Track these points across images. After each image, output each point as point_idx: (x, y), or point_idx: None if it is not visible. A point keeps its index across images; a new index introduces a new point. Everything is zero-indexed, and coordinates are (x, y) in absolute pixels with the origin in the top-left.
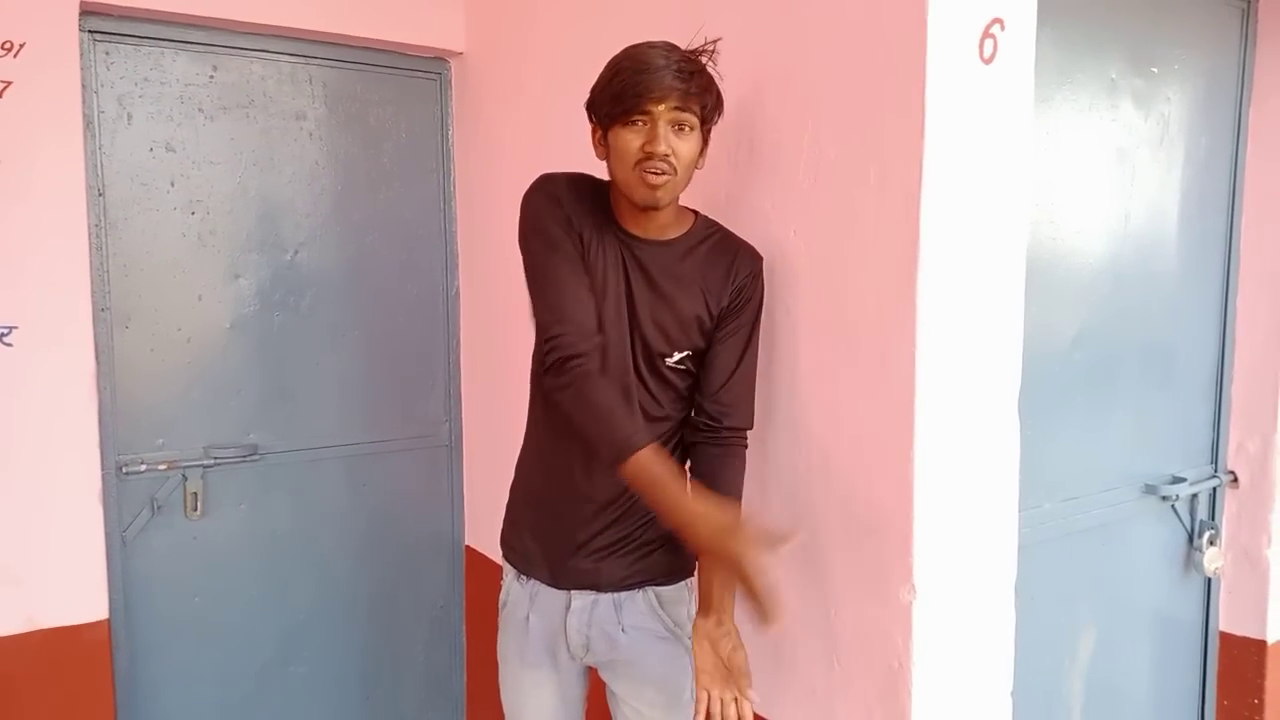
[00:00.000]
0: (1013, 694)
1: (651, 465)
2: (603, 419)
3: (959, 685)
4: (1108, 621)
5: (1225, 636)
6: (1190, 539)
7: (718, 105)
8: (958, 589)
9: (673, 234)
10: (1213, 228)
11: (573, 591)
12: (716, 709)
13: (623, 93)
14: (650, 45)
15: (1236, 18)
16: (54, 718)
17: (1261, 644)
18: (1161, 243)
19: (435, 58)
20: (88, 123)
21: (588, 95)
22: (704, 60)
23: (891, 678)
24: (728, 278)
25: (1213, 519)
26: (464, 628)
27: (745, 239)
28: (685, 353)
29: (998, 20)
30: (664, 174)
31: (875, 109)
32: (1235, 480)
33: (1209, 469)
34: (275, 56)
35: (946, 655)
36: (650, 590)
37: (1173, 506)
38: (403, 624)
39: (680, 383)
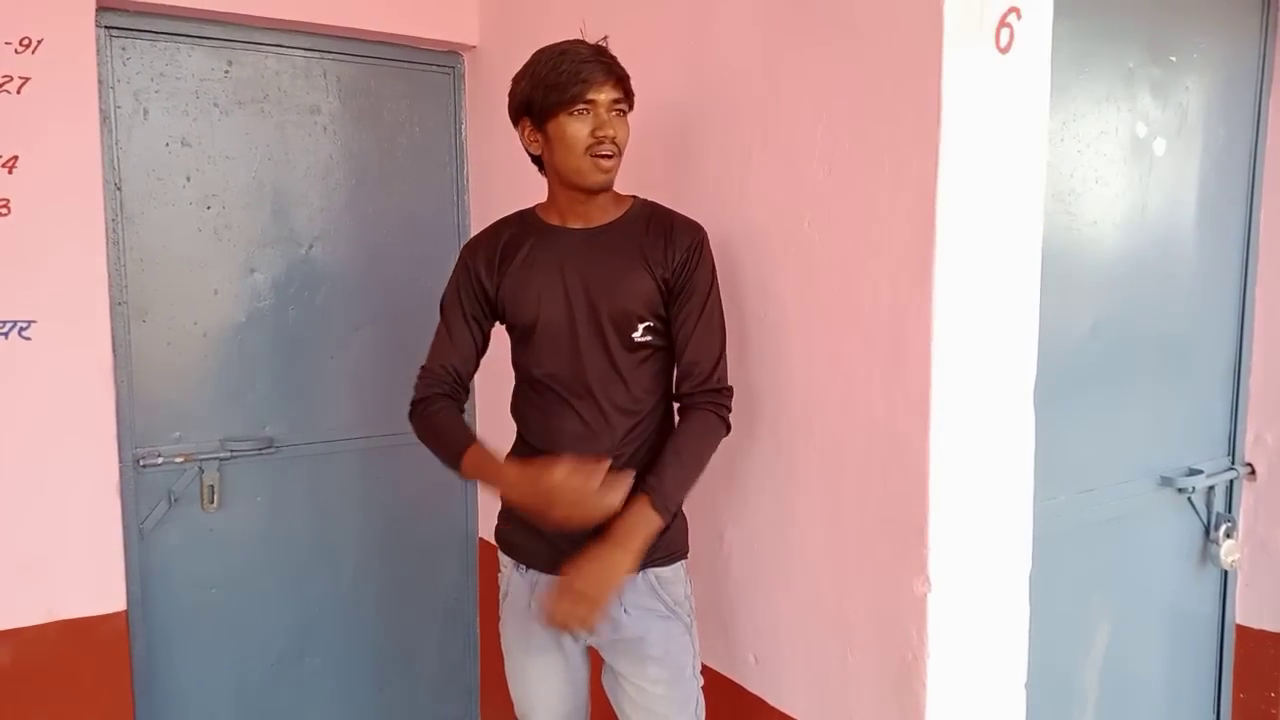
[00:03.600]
0: (1027, 686)
1: (475, 455)
2: (438, 438)
3: (973, 677)
4: (1123, 614)
5: (1241, 629)
6: (1207, 531)
7: (632, 92)
8: (972, 581)
9: (613, 216)
10: (1231, 218)
11: None
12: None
13: (565, 83)
14: (568, 42)
15: (1257, 6)
16: (73, 708)
17: (1278, 637)
18: (1179, 233)
19: (449, 51)
20: (104, 118)
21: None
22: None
23: (906, 670)
24: (666, 249)
25: (1229, 511)
26: (478, 619)
27: (754, 227)
28: (647, 323)
29: (1014, 9)
30: (612, 156)
31: (890, 99)
32: (1253, 472)
33: (1226, 461)
34: (289, 51)
35: (961, 647)
36: (650, 572)
37: (1189, 499)
38: (417, 616)
39: (652, 363)
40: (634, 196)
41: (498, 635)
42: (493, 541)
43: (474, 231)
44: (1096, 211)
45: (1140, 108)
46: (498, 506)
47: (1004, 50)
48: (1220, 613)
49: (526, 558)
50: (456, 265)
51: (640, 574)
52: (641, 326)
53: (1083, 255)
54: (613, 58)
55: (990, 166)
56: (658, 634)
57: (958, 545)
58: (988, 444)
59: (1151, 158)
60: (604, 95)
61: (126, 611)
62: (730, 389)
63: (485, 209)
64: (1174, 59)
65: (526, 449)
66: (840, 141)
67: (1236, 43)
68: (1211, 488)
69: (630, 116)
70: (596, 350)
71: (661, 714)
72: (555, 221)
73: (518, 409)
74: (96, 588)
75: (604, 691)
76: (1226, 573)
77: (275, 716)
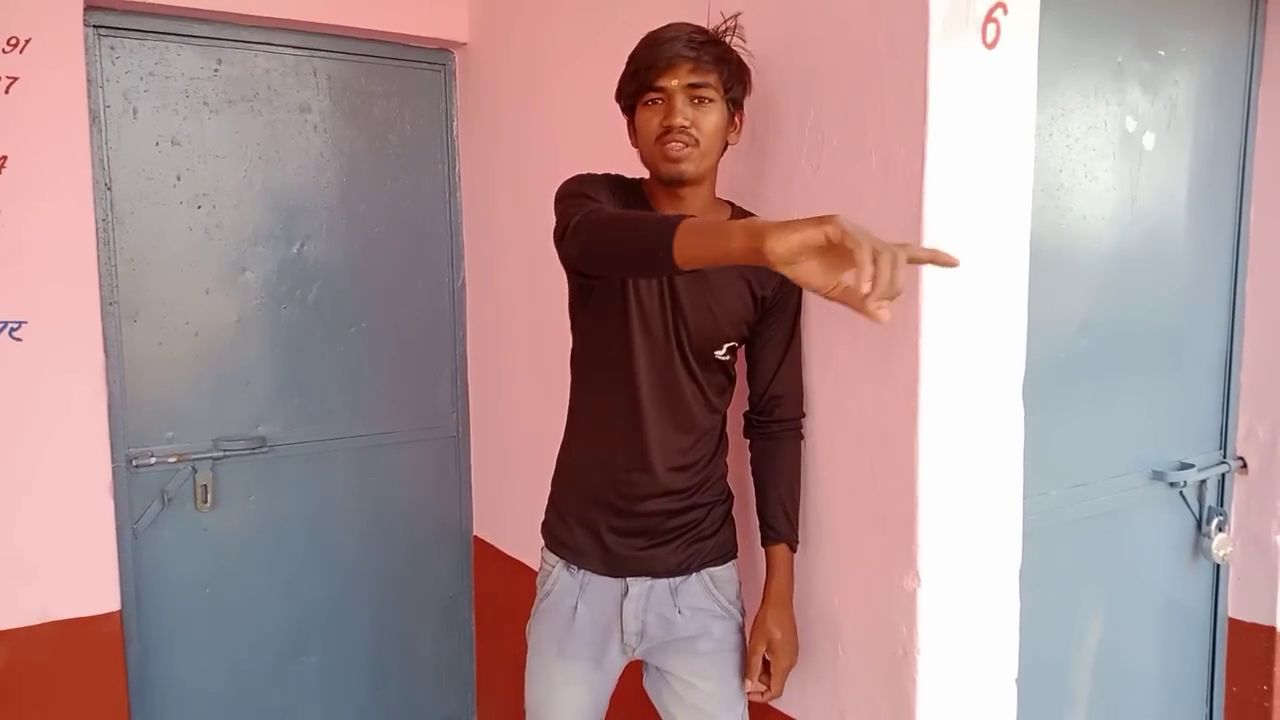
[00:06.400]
0: (1018, 681)
1: (697, 223)
2: (632, 225)
3: (964, 672)
4: (1115, 608)
5: (1234, 623)
6: (1199, 525)
7: (740, 76)
8: (962, 576)
9: None
10: (1221, 211)
11: (628, 579)
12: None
13: (636, 70)
14: (666, 25)
15: None
16: (68, 708)
17: (1271, 630)
18: (1169, 227)
19: (439, 49)
20: (94, 117)
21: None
22: (727, 38)
23: (896, 665)
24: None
25: (1221, 505)
26: (473, 617)
27: None
28: (731, 343)
29: (1000, 4)
30: (685, 145)
31: (877, 95)
32: (1244, 466)
33: (1218, 455)
34: (279, 49)
35: (951, 643)
36: (705, 573)
37: (1181, 493)
38: (412, 614)
39: (723, 377)
40: (730, 204)
41: (494, 631)
42: (487, 539)
43: (465, 228)
44: (1086, 206)
45: (1129, 102)
46: (495, 504)
47: (990, 45)
48: (1213, 606)
49: (577, 558)
50: (578, 177)
51: (695, 575)
52: (725, 346)
53: (1072, 250)
54: (704, 39)
55: (978, 162)
56: (713, 633)
57: (947, 541)
58: (977, 440)
59: (1141, 152)
60: (676, 81)
61: (121, 612)
62: (805, 413)
63: (477, 206)
64: (1163, 53)
65: (588, 458)
66: (828, 138)
67: (1226, 36)
68: (1203, 482)
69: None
70: (679, 363)
71: (709, 712)
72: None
73: (586, 412)
74: (90, 588)
75: (647, 697)
76: (1219, 566)
77: (271, 715)
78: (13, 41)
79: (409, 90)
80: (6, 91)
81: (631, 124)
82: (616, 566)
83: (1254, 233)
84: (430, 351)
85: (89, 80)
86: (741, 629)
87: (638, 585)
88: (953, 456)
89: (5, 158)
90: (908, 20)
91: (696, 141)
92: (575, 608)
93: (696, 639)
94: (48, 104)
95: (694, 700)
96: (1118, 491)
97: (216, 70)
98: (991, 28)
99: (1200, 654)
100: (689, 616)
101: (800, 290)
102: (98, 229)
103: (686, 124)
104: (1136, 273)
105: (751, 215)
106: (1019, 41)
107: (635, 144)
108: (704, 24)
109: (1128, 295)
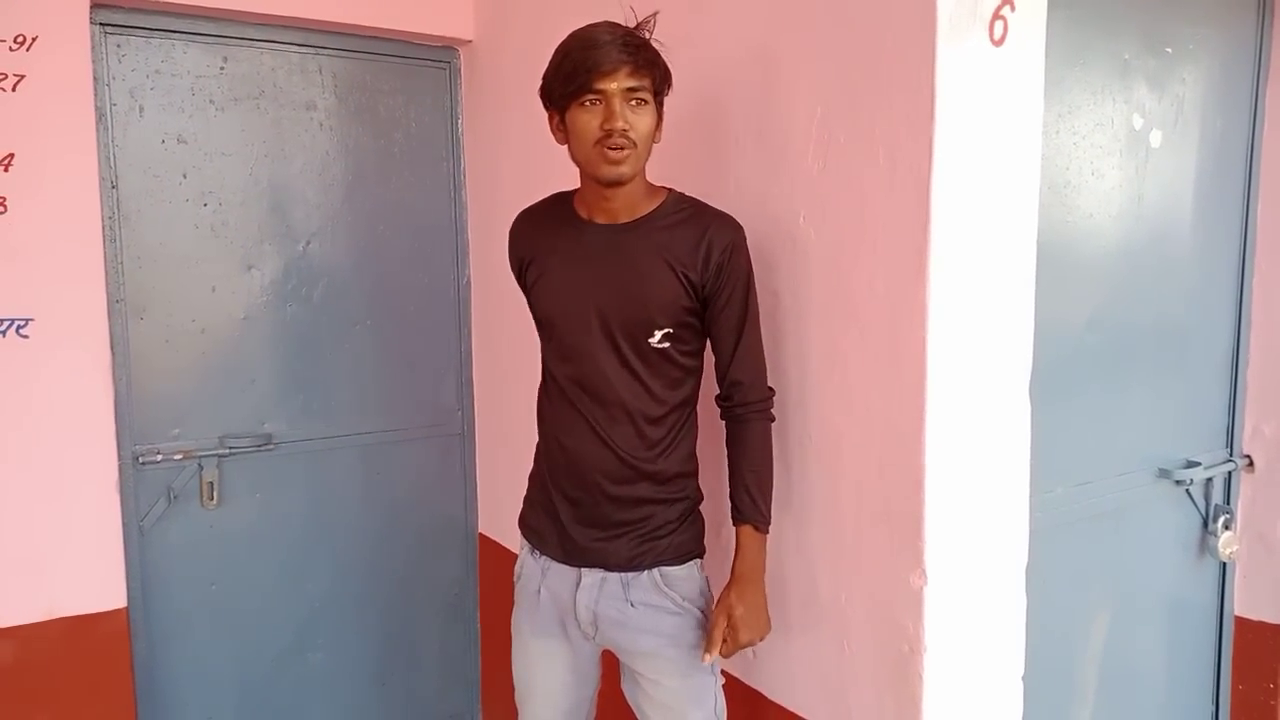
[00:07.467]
0: (1025, 679)
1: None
2: None
3: (970, 670)
4: (1121, 606)
5: (1240, 621)
6: (1205, 523)
7: (666, 77)
8: (969, 574)
9: (641, 212)
10: (1228, 209)
11: (582, 569)
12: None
13: (574, 72)
14: (593, 25)
15: None
16: (75, 705)
17: (1277, 628)
18: (1176, 225)
19: (444, 46)
20: (100, 115)
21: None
22: (646, 34)
23: (903, 663)
24: (698, 251)
25: (1228, 503)
26: (479, 613)
27: (749, 223)
28: (666, 330)
29: (1008, 2)
30: (624, 149)
31: (885, 92)
32: (1251, 464)
33: (1224, 453)
34: (285, 47)
35: (958, 640)
36: (656, 570)
37: (1187, 491)
38: (418, 610)
39: (671, 367)
40: (668, 190)
41: (499, 629)
42: (492, 536)
43: (470, 225)
44: (1092, 204)
45: (1136, 99)
46: (501, 501)
47: (998, 43)
48: (1219, 604)
49: (541, 543)
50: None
51: (646, 572)
52: (659, 334)
53: (1079, 248)
54: (638, 42)
55: (985, 159)
56: (666, 628)
57: (954, 538)
58: (984, 437)
59: (1148, 149)
60: (615, 84)
61: (127, 609)
62: (773, 390)
63: (482, 204)
64: (1170, 50)
65: (546, 450)
66: (835, 136)
67: (1233, 34)
68: (1210, 480)
69: None
70: (609, 355)
71: (678, 709)
72: (584, 214)
73: (540, 407)
74: (97, 585)
75: (624, 700)
76: (1225, 564)
77: (277, 712)
78: (19, 39)
79: (414, 88)
80: (13, 89)
81: (558, 121)
82: (573, 555)
83: (1261, 230)
84: (436, 348)
85: (95, 78)
86: (704, 625)
87: (590, 576)
88: (959, 454)
89: (12, 155)
90: (915, 17)
91: (634, 143)
92: (539, 590)
93: (654, 633)
94: (54, 101)
95: (662, 698)
96: (1124, 489)
97: (222, 68)
98: (999, 25)
99: (1206, 652)
100: (641, 611)
101: (746, 276)
102: (104, 226)
103: (626, 127)
104: (1143, 270)
105: (693, 199)
106: (1026, 39)
107: (563, 141)
108: (629, 19)
109: (1134, 293)
